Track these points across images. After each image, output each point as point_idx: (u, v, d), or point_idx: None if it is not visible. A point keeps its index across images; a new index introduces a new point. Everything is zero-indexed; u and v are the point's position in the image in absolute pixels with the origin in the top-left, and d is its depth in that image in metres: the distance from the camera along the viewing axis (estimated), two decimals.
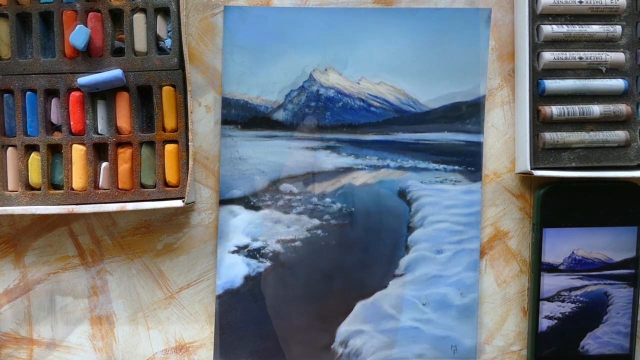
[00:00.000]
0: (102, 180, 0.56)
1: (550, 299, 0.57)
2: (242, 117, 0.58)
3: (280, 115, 0.58)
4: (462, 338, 0.59)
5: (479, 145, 0.58)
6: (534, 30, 0.56)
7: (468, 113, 0.58)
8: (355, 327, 0.58)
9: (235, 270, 0.58)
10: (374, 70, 0.58)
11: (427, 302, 0.58)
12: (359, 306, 0.58)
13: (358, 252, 0.58)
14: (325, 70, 0.58)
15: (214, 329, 0.59)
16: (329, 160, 0.58)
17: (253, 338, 0.59)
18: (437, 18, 0.58)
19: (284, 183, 0.58)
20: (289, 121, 0.58)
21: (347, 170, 0.58)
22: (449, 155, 0.58)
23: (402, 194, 0.59)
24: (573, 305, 0.57)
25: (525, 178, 0.59)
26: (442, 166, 0.58)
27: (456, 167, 0.58)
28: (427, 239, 0.58)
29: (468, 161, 0.58)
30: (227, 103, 0.58)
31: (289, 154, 0.58)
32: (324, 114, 0.58)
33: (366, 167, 0.58)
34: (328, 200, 0.58)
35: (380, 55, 0.58)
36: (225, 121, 0.58)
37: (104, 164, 0.56)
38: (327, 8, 0.58)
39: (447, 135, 0.58)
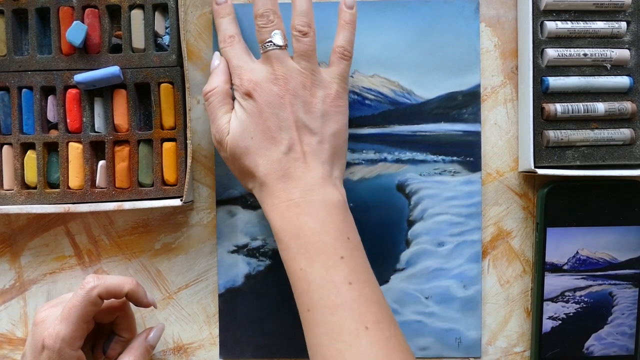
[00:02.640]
0: (99, 179, 0.56)
1: (554, 300, 0.56)
2: None
3: None
4: (467, 330, 0.58)
5: (477, 134, 0.58)
6: (538, 26, 0.56)
7: (464, 102, 0.58)
8: None
9: (235, 269, 0.58)
10: (367, 63, 0.58)
11: (429, 296, 0.58)
12: None
13: None
14: (319, 64, 0.57)
15: (218, 328, 0.58)
16: None
17: (256, 335, 0.58)
18: (427, 9, 0.58)
19: None
20: None
21: None
22: (446, 146, 0.58)
23: (401, 187, 0.58)
24: (577, 305, 0.56)
25: (529, 177, 0.58)
26: (440, 157, 0.58)
27: (455, 158, 0.58)
28: (427, 232, 0.58)
29: (466, 151, 0.58)
30: None
31: None
32: None
33: (363, 162, 0.58)
34: None
35: (373, 48, 0.58)
36: None
37: (101, 163, 0.56)
38: (317, 3, 0.57)
39: (444, 126, 0.58)
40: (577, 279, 0.56)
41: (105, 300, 0.51)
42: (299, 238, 0.48)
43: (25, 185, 0.56)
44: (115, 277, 0.51)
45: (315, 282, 0.46)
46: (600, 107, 0.55)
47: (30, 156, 0.56)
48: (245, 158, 0.50)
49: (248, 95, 0.50)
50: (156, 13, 0.55)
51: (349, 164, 0.58)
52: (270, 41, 0.50)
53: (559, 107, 0.55)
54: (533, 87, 0.55)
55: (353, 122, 0.58)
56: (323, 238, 0.47)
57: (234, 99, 0.52)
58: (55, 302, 0.53)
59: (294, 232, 0.48)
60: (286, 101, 0.49)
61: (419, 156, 0.58)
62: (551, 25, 0.55)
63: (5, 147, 0.56)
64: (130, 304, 0.55)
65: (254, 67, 0.51)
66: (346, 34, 0.52)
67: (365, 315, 0.45)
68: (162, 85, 0.55)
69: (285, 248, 0.48)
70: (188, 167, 0.54)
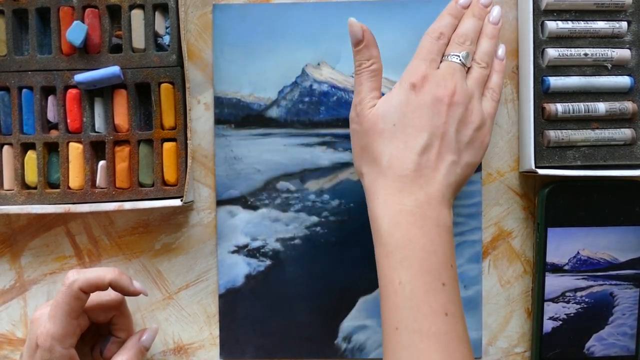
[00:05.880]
0: (100, 179, 0.56)
1: (554, 300, 0.56)
2: (235, 115, 0.58)
3: (274, 112, 0.58)
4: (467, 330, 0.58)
5: None
6: (538, 26, 0.56)
7: None
8: (358, 322, 0.58)
9: (236, 270, 0.58)
10: None
11: None
12: (361, 302, 0.58)
13: (358, 247, 0.58)
14: (318, 64, 0.58)
15: (218, 328, 0.58)
16: (325, 156, 0.58)
17: (256, 336, 0.58)
18: (427, 9, 0.58)
19: (281, 181, 0.58)
20: (283, 118, 0.58)
21: (344, 165, 0.58)
22: None
23: None
24: (578, 306, 0.56)
25: (529, 177, 0.58)
26: None
27: None
28: None
29: None
30: (219, 102, 0.58)
31: (285, 151, 0.58)
32: (318, 109, 0.58)
33: None
34: (326, 196, 0.58)
35: None
36: (219, 120, 0.58)
37: (102, 163, 0.56)
38: (317, 3, 0.57)
39: None
40: (578, 279, 0.56)
41: (92, 294, 0.51)
42: (405, 249, 0.46)
43: (25, 186, 0.56)
44: (96, 268, 0.51)
45: (414, 301, 0.45)
46: (601, 107, 0.55)
47: (31, 156, 0.56)
48: (376, 139, 0.49)
49: (413, 86, 0.49)
50: (156, 13, 0.55)
51: (348, 165, 0.58)
52: (458, 55, 0.50)
53: (559, 107, 0.55)
54: (534, 87, 0.55)
55: None
56: (430, 258, 0.46)
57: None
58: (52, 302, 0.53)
59: (401, 242, 0.46)
60: (444, 110, 0.48)
61: None
62: (552, 25, 0.55)
63: (5, 147, 0.56)
64: (128, 306, 0.55)
65: (434, 69, 0.50)
66: (497, 80, 0.52)
67: (455, 354, 0.44)
68: (163, 85, 0.55)
69: (387, 254, 0.47)
70: (188, 167, 0.54)
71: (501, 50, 0.53)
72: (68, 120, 0.55)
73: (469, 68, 0.51)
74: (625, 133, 0.56)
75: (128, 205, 0.54)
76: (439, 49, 0.51)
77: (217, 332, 0.58)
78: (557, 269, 0.56)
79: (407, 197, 0.47)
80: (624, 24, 0.56)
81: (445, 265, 0.46)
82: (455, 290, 0.47)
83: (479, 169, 0.58)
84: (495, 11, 0.53)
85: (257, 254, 0.58)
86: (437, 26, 0.52)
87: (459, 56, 0.50)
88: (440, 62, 0.50)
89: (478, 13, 0.53)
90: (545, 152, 0.56)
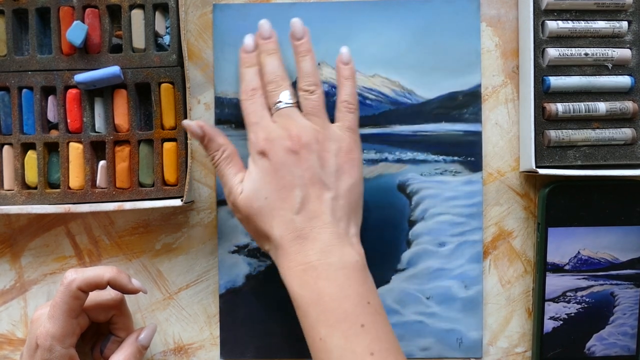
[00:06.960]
0: (100, 179, 0.55)
1: (555, 300, 0.56)
2: (235, 116, 0.58)
3: None
4: (468, 331, 0.58)
5: (477, 134, 0.58)
6: (539, 26, 0.56)
7: (465, 102, 0.58)
8: None
9: (236, 270, 0.58)
10: (368, 63, 0.58)
11: (431, 296, 0.58)
12: None
13: None
14: (318, 64, 0.58)
15: (219, 328, 0.58)
16: None
17: (257, 336, 0.58)
18: (428, 9, 0.58)
19: None
20: None
21: None
22: (447, 146, 0.58)
23: (402, 187, 0.58)
24: (579, 306, 0.56)
25: (530, 177, 0.58)
26: (441, 157, 0.58)
27: (455, 158, 0.58)
28: (428, 232, 0.58)
29: (467, 151, 0.58)
30: (220, 102, 0.58)
31: None
32: None
33: (364, 162, 0.58)
34: None
35: (373, 48, 0.58)
36: (219, 121, 0.58)
37: (102, 163, 0.56)
38: (317, 3, 0.58)
39: (445, 126, 0.58)
40: (579, 279, 0.56)
41: (91, 294, 0.51)
42: (317, 305, 0.46)
43: (25, 186, 0.56)
44: (94, 267, 0.51)
45: (336, 352, 0.45)
46: (602, 106, 0.55)
47: (31, 156, 0.56)
48: (260, 219, 0.49)
49: (262, 154, 0.49)
50: (156, 13, 0.55)
51: None
52: (280, 101, 0.51)
53: (560, 107, 0.55)
54: (534, 87, 0.55)
55: None
56: (343, 305, 0.46)
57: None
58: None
59: (312, 298, 0.46)
60: (301, 157, 0.49)
61: (420, 156, 0.58)
62: (552, 25, 0.55)
63: (5, 147, 0.56)
64: (128, 305, 0.55)
65: (269, 125, 0.50)
66: (347, 89, 0.53)
67: None
68: (163, 85, 0.55)
69: (304, 315, 0.47)
70: (188, 167, 0.54)
71: (344, 53, 0.54)
72: (68, 120, 0.55)
73: (298, 102, 0.51)
74: (626, 133, 0.56)
75: (128, 205, 0.54)
76: (261, 104, 0.51)
77: (217, 332, 0.58)
78: (557, 268, 0.56)
79: (307, 255, 0.48)
80: (625, 24, 0.56)
81: (361, 305, 0.46)
82: (378, 326, 0.46)
83: (479, 168, 0.58)
84: (294, 27, 0.53)
85: (258, 254, 0.58)
86: (245, 86, 0.52)
87: (281, 102, 0.51)
88: (272, 114, 0.51)
89: (269, 48, 0.53)
90: (546, 151, 0.56)
